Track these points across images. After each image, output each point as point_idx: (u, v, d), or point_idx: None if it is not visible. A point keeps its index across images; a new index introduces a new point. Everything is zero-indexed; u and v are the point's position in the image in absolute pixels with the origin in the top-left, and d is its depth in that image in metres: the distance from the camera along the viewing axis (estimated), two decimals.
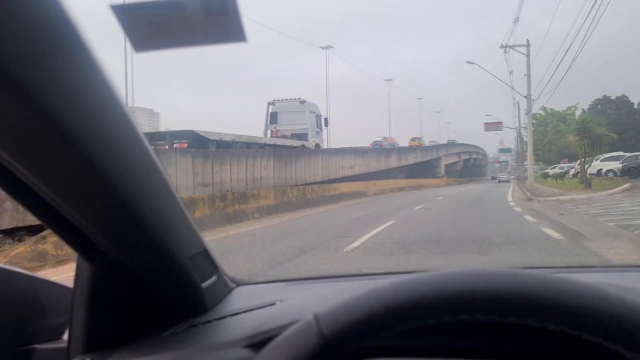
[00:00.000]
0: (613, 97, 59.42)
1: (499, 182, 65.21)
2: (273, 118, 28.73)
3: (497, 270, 0.49)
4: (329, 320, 0.49)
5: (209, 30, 0.92)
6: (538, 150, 52.50)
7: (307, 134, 28.31)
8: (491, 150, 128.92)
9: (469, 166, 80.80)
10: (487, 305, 0.48)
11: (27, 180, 0.61)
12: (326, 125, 31.48)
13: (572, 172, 35.94)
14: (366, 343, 0.49)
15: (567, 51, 30.14)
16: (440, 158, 61.98)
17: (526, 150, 38.70)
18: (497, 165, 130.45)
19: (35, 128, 0.55)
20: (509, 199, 20.61)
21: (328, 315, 0.50)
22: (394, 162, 43.21)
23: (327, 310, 0.50)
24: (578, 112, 59.10)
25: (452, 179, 63.64)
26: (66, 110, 0.56)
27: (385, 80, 79.86)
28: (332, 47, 52.23)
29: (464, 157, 75.50)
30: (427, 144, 67.06)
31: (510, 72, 39.00)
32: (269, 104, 29.38)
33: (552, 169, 45.36)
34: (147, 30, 0.87)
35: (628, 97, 59.77)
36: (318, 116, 30.57)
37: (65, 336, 0.84)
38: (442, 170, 61.61)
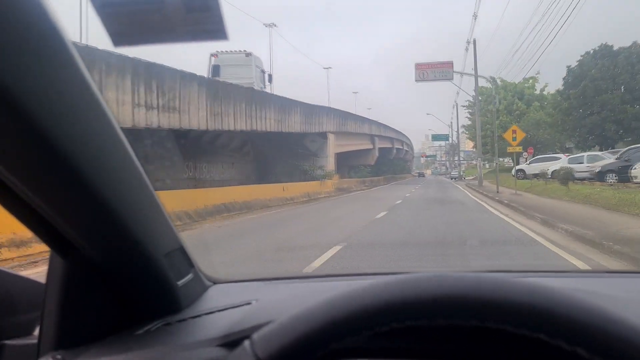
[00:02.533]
0: (616, 48, 32.20)
1: (452, 179, 56.12)
2: (215, 71, 27.51)
3: (421, 274, 0.53)
4: (264, 344, 0.52)
5: (189, 27, 0.91)
6: (487, 138, 38.61)
7: (252, 89, 27.57)
8: (416, 144, 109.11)
9: (390, 159, 57.39)
10: (414, 311, 0.50)
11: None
12: (270, 81, 30.64)
13: None
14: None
15: None
16: (325, 136, 31.16)
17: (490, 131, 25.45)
18: (423, 159, 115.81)
19: (8, 124, 0.54)
20: None
21: (263, 339, 0.52)
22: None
23: (262, 334, 0.53)
24: (540, 85, 43.53)
25: (356, 178, 38.76)
26: (41, 106, 0.54)
27: (266, 25, 40.36)
28: None
29: (381, 144, 47.98)
30: None
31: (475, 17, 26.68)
32: (211, 55, 28.02)
33: (529, 164, 28.74)
34: (127, 25, 0.85)
35: None
36: (263, 71, 29.59)
37: (36, 332, 0.82)
38: (331, 161, 31.83)
